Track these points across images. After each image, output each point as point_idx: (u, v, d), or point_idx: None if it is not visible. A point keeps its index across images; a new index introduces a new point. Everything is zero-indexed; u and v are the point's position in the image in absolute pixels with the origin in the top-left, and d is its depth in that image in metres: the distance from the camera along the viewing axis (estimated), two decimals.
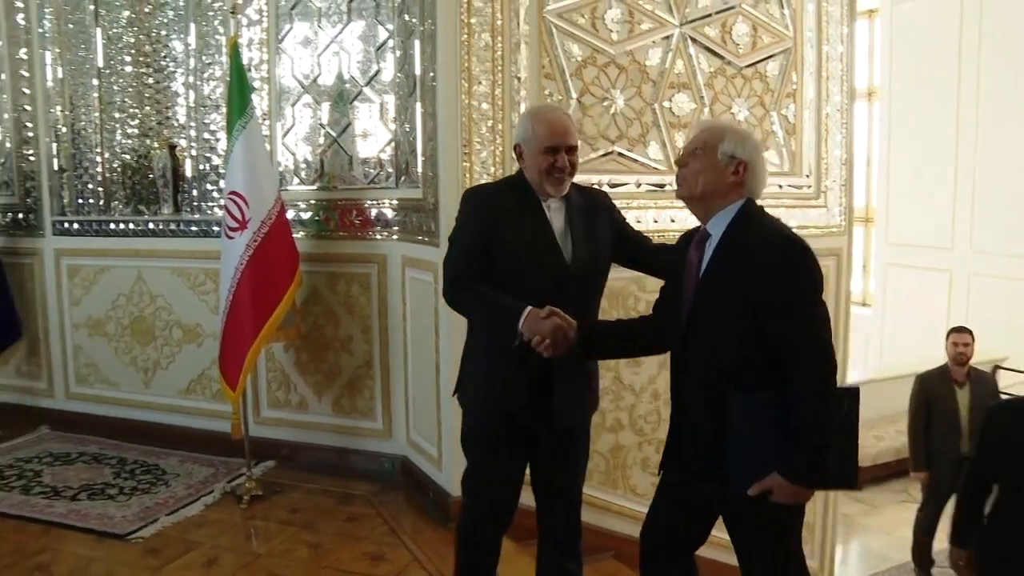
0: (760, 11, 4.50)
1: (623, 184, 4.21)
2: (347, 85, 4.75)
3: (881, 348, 10.80)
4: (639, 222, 4.19)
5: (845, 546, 7.05)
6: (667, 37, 4.27)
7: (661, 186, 4.27)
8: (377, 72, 4.68)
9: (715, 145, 2.50)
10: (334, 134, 4.80)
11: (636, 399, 4.34)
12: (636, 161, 4.24)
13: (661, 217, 4.27)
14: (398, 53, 4.55)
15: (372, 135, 4.72)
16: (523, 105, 4.00)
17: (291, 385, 5.02)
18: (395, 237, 4.63)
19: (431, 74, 4.10)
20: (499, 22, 3.97)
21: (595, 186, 3.56)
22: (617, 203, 4.05)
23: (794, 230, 2.48)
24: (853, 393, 2.46)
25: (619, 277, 3.25)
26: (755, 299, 2.36)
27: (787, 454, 2.35)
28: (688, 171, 2.53)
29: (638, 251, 3.04)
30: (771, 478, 2.37)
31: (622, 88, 4.19)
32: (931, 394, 6.03)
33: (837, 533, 5.36)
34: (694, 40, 4.33)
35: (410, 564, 3.77)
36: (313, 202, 4.87)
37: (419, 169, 4.29)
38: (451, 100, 3.92)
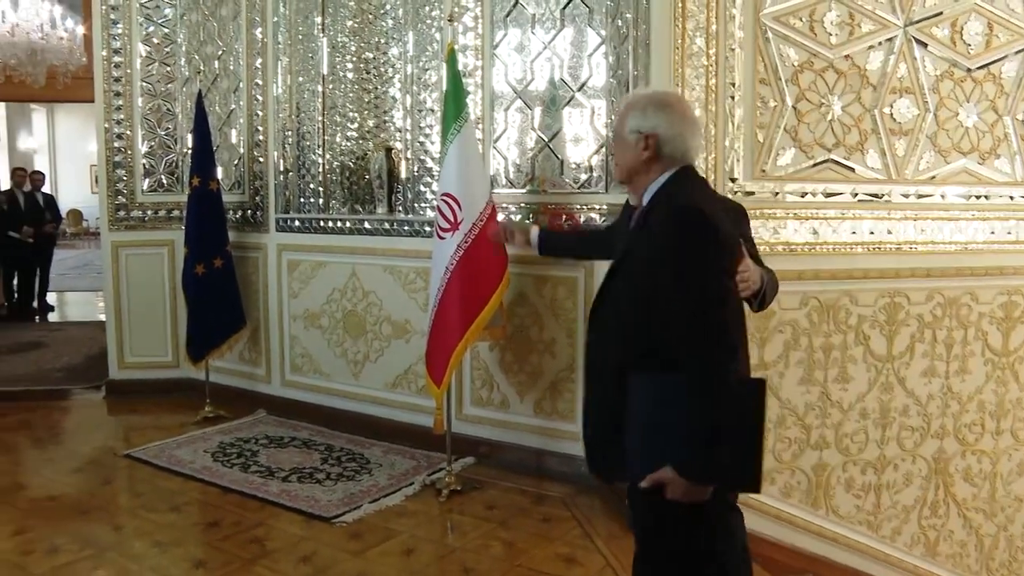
0: (998, 6, 4.25)
1: (838, 194, 4.10)
2: (559, 90, 4.87)
3: None
4: (854, 232, 4.10)
5: None
6: (890, 39, 4.12)
7: (879, 196, 4.13)
8: (589, 77, 4.77)
9: (622, 128, 2.45)
10: (545, 138, 4.92)
11: (843, 416, 4.22)
12: (852, 170, 4.12)
13: (878, 228, 4.12)
14: (610, 59, 4.63)
15: (583, 140, 4.81)
16: (737, 112, 3.98)
17: (494, 384, 5.17)
18: None
19: (643, 80, 4.15)
20: (713, 27, 3.96)
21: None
22: (831, 212, 4.04)
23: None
24: (756, 385, 2.27)
25: None
26: (650, 271, 2.27)
27: (683, 445, 2.21)
28: (615, 159, 2.53)
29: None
30: (664, 471, 2.23)
31: (840, 93, 4.09)
32: None
33: None
34: (919, 41, 4.16)
35: (603, 569, 3.80)
36: (523, 205, 5.00)
37: None
38: None
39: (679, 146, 2.35)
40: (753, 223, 3.97)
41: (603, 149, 4.74)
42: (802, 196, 4.07)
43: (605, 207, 4.69)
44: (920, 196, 4.18)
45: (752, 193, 4.03)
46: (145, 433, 5.77)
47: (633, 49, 4.29)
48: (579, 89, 4.81)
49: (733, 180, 4.03)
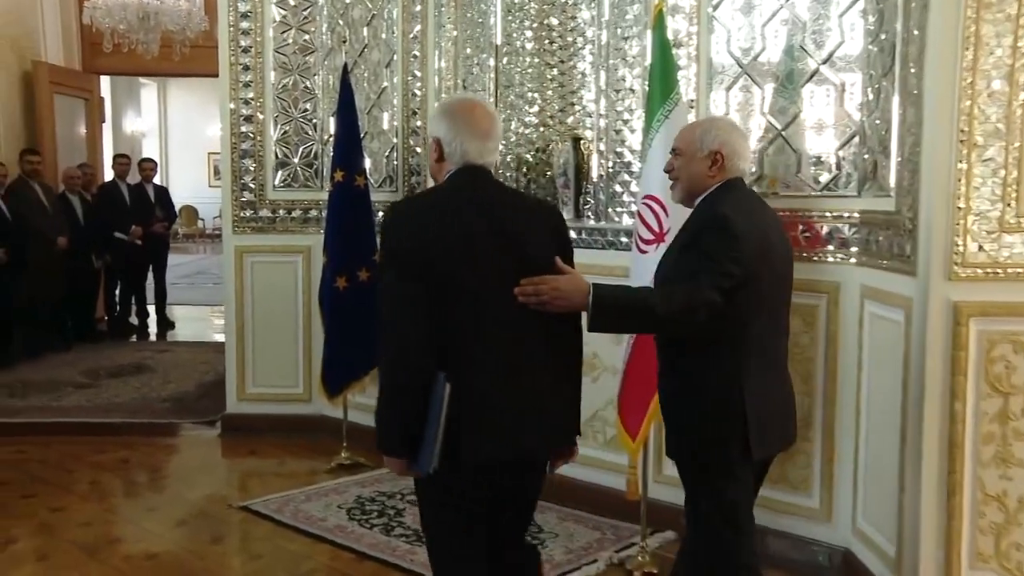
0: None
1: None
2: (797, 62, 4.74)
3: None
4: None
5: None
6: None
7: None
8: (839, 44, 4.63)
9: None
10: (778, 125, 4.81)
11: None
12: None
13: None
14: (870, 19, 4.47)
15: (828, 127, 4.68)
16: None
17: None
18: (853, 260, 4.55)
19: (916, 44, 3.95)
20: None
21: None
22: None
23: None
24: (441, 380, 2.82)
25: None
26: None
27: None
28: None
29: None
30: None
31: None
32: None
33: None
34: None
35: None
36: None
37: (892, 173, 4.18)
38: (945, 76, 3.73)
39: (456, 149, 3.04)
40: None
41: (855, 139, 4.58)
42: None
43: (856, 215, 4.53)
44: None
45: None
46: (266, 481, 6.00)
47: (903, 3, 4.11)
48: (825, 60, 4.68)
49: None
